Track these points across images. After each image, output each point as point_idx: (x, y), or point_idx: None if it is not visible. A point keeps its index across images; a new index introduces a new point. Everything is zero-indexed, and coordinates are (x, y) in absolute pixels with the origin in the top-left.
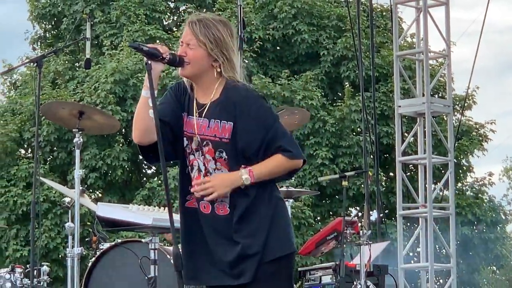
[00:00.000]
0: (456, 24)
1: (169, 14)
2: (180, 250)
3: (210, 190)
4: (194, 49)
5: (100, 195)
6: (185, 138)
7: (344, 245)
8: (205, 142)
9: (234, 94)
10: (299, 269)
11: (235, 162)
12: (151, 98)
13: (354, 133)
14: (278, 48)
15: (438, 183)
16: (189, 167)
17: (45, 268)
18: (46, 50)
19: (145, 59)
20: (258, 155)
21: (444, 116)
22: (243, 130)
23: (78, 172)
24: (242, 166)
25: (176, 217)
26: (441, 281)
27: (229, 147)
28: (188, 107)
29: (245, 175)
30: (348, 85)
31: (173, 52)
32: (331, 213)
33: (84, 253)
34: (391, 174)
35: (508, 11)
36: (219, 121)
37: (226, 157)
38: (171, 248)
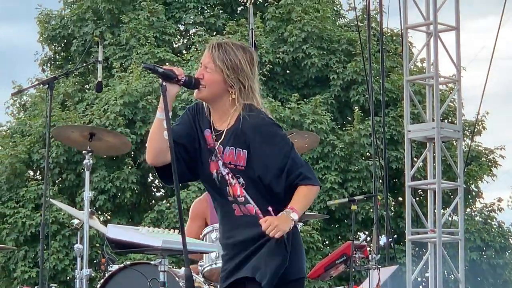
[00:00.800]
0: (467, 49)
1: (178, 37)
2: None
3: (276, 229)
4: (210, 73)
5: (108, 217)
6: (209, 152)
7: (353, 269)
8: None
9: (249, 121)
10: None
11: (253, 188)
12: (166, 120)
13: (363, 158)
14: (287, 71)
15: (447, 208)
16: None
17: None
18: (56, 72)
19: (160, 80)
20: (278, 182)
21: (454, 141)
22: (258, 158)
23: (87, 194)
24: (269, 208)
25: (188, 239)
26: None
27: (245, 174)
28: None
29: (291, 214)
30: (357, 109)
31: (189, 74)
32: (339, 237)
33: (92, 275)
34: (400, 198)
35: None
36: (234, 148)
37: (243, 182)
38: (179, 270)
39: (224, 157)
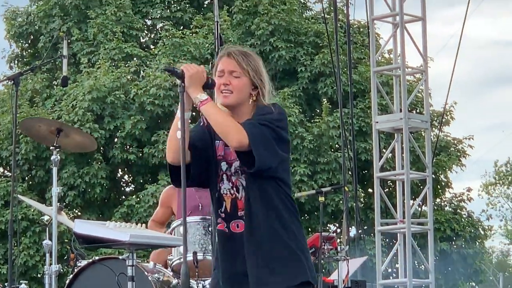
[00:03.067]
0: (435, 39)
1: (146, 32)
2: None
3: (186, 69)
4: (239, 77)
5: (79, 213)
6: (224, 163)
7: (322, 261)
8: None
9: (259, 111)
10: None
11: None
12: (181, 120)
13: (332, 150)
14: None
15: (416, 199)
16: (234, 188)
17: (23, 286)
18: (23, 69)
19: (178, 81)
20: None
21: (422, 132)
22: None
23: (55, 190)
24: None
25: (158, 234)
26: None
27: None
28: None
29: (202, 95)
30: (325, 101)
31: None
32: (309, 229)
33: (62, 270)
34: (370, 190)
35: (486, 26)
36: None
37: (245, 184)
38: (148, 264)
39: None
